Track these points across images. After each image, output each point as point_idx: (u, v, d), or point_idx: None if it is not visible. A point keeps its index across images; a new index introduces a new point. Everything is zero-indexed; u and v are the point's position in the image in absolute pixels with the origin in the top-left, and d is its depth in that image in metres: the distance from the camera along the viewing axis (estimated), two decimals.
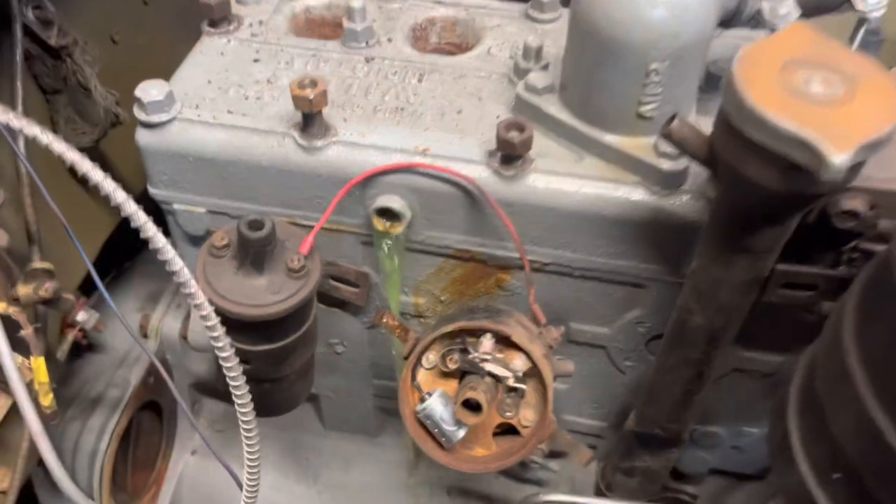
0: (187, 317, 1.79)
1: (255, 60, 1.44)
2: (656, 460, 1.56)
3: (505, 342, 1.27)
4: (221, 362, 1.12)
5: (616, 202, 1.23)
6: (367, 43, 1.46)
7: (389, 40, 1.48)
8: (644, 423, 1.45)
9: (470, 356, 1.26)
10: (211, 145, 1.30)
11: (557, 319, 1.44)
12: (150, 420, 1.94)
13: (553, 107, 1.26)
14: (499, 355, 1.27)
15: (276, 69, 1.42)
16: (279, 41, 1.48)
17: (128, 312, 1.88)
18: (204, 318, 1.07)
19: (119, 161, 1.56)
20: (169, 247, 1.01)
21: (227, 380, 1.15)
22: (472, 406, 1.23)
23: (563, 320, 1.43)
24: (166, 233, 1.49)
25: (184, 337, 1.74)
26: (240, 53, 1.45)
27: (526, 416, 1.31)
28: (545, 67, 1.33)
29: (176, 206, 1.40)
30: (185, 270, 1.03)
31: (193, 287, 1.04)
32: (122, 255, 1.89)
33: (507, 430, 1.33)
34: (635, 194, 1.22)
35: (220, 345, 1.09)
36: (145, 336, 1.83)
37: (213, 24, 1.42)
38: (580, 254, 1.30)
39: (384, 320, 1.36)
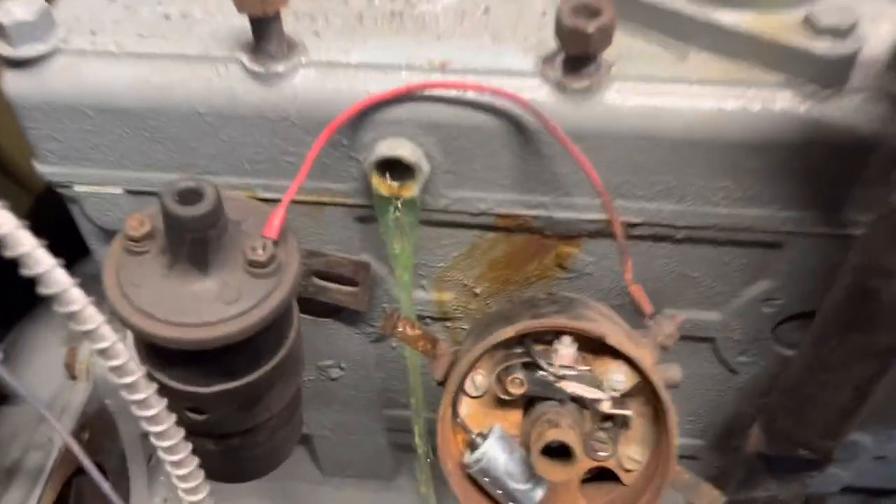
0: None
1: None
2: (787, 488, 1.14)
3: (591, 347, 0.84)
4: (145, 426, 0.67)
5: (747, 118, 0.80)
6: None
7: None
8: (780, 442, 1.02)
9: (542, 374, 0.82)
10: (117, 87, 0.86)
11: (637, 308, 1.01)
12: (96, 486, 1.48)
13: None
14: (583, 368, 0.83)
15: None
16: None
17: (51, 347, 1.45)
18: (104, 355, 0.62)
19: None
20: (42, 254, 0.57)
21: (159, 451, 0.70)
22: (555, 451, 0.79)
23: (653, 301, 1.00)
24: (73, 229, 1.04)
25: None
26: None
27: (629, 454, 0.87)
28: None
29: (79, 189, 0.95)
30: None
31: (94, 322, 0.60)
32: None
33: (596, 474, 0.90)
34: (778, 101, 0.80)
35: (136, 398, 0.65)
36: (74, 377, 1.38)
37: None
38: (688, 204, 0.87)
39: (398, 328, 0.92)
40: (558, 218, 0.91)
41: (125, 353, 0.63)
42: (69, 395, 1.36)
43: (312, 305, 1.07)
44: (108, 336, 0.62)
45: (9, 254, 0.57)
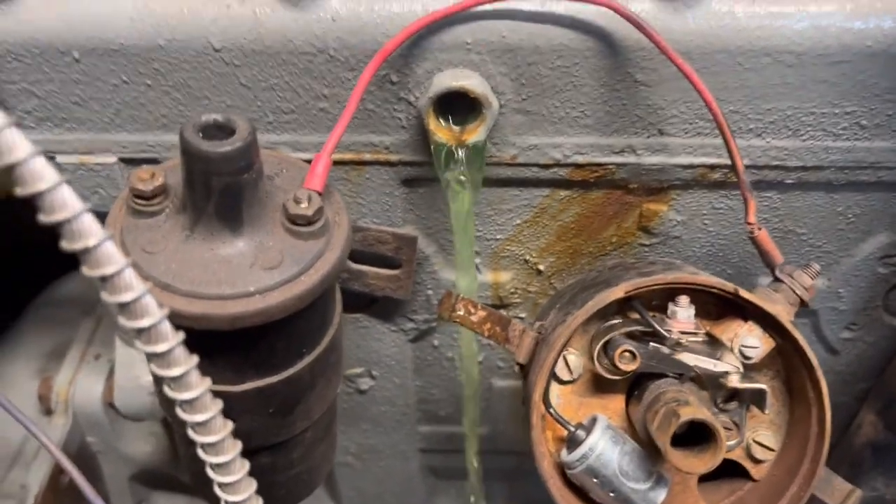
0: (111, 373, 1.17)
1: None
2: None
3: (706, 310, 0.69)
4: (194, 434, 0.50)
5: (883, 22, 0.66)
6: None
7: None
8: None
9: (655, 345, 0.66)
10: (112, 20, 0.70)
11: (739, 274, 0.87)
12: None
13: None
14: (700, 332, 0.68)
15: None
16: None
17: (22, 380, 1.27)
18: (144, 335, 0.45)
19: None
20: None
21: (208, 464, 0.53)
22: (681, 440, 0.63)
23: (747, 271, 0.86)
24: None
25: (110, 404, 1.09)
26: None
27: (759, 440, 0.71)
28: None
29: (63, 160, 0.78)
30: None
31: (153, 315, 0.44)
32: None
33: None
34: None
35: (187, 396, 0.48)
36: (49, 412, 1.20)
37: None
38: (804, 138, 0.74)
39: (458, 311, 0.75)
40: (648, 164, 0.77)
41: (154, 309, 0.45)
42: (45, 432, 1.16)
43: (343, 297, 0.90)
44: (167, 335, 0.45)
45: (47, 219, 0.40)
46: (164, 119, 0.76)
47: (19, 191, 0.40)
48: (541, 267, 0.87)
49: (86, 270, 0.43)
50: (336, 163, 0.78)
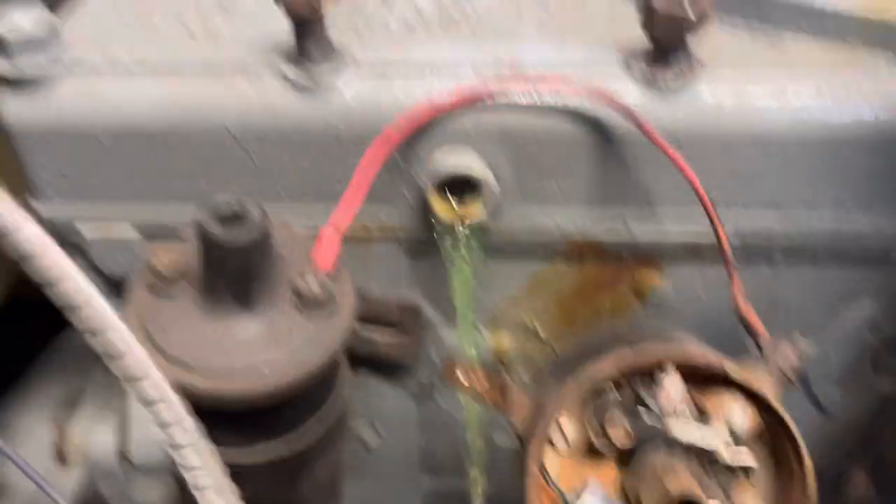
0: (126, 424, 1.20)
1: None
2: None
3: (694, 382, 0.72)
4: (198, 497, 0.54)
5: (860, 108, 0.70)
6: None
7: None
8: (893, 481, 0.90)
9: (648, 418, 0.70)
10: (137, 108, 0.75)
11: (732, 340, 0.90)
12: None
13: None
14: (687, 405, 0.71)
15: None
16: None
17: (37, 427, 1.29)
18: (165, 425, 0.49)
19: None
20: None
21: None
22: None
23: (740, 336, 0.89)
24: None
25: (123, 455, 1.11)
26: None
27: None
28: None
29: (85, 231, 0.82)
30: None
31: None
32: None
33: None
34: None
35: (195, 470, 0.51)
36: (64, 460, 1.23)
37: None
38: (791, 216, 0.77)
39: (460, 379, 0.79)
40: (640, 238, 0.80)
41: (169, 395, 0.49)
42: (57, 482, 1.20)
43: (350, 360, 0.94)
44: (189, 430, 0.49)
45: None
46: (183, 194, 0.80)
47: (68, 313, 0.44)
48: (539, 331, 0.91)
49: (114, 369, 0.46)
50: (344, 237, 0.82)
